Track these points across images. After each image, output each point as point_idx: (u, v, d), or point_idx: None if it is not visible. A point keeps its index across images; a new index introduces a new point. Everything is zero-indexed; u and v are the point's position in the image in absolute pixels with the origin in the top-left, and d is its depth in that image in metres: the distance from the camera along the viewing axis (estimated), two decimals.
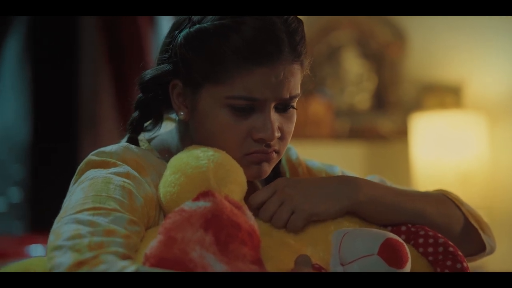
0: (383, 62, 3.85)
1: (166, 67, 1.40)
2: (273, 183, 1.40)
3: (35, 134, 3.85)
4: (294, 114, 1.41)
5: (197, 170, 1.31)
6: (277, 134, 1.38)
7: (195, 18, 1.37)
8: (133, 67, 3.48)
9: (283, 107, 1.39)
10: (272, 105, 1.37)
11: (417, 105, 3.73)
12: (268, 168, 1.41)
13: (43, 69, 3.80)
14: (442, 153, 3.44)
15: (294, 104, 1.40)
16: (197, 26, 1.36)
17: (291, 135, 1.42)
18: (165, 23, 3.46)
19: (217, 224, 1.23)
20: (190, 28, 1.37)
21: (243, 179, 1.36)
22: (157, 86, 1.41)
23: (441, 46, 3.75)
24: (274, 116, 1.38)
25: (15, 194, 3.88)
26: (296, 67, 1.38)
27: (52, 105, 3.83)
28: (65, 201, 1.33)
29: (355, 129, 3.83)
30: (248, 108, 1.36)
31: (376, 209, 1.39)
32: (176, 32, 1.40)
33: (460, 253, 1.39)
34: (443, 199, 1.46)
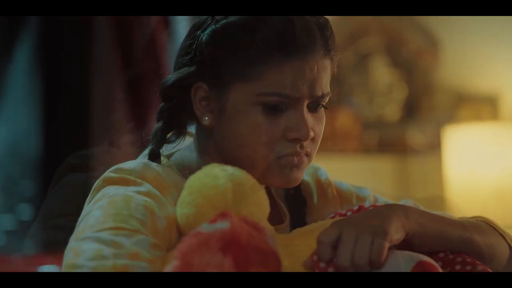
0: (414, 70, 3.84)
1: (189, 69, 1.39)
2: (333, 224, 1.31)
3: (46, 148, 3.86)
4: (324, 115, 1.41)
5: (215, 190, 1.30)
6: (312, 134, 1.38)
7: (218, 16, 1.38)
8: (148, 78, 3.48)
9: (315, 106, 1.39)
10: (306, 103, 1.37)
11: (451, 117, 3.72)
12: (300, 175, 1.40)
13: (55, 80, 3.81)
14: (477, 168, 3.42)
15: (325, 104, 1.40)
16: (223, 21, 1.36)
17: (321, 137, 1.41)
18: (181, 28, 3.47)
19: (236, 247, 1.22)
20: (215, 24, 1.37)
21: (264, 200, 1.34)
22: (180, 91, 1.40)
23: (476, 53, 3.74)
24: (308, 115, 1.38)
25: (26, 211, 3.88)
26: (327, 63, 1.38)
27: (65, 118, 3.83)
28: (80, 220, 1.31)
29: (384, 142, 3.83)
30: (281, 106, 1.36)
31: (425, 238, 1.36)
32: (198, 32, 1.39)
33: None
34: (488, 228, 1.45)
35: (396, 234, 1.29)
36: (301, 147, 1.37)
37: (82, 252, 1.21)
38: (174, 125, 1.44)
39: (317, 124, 1.39)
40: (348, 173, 3.29)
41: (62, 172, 1.37)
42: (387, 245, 1.27)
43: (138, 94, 3.55)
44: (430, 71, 3.82)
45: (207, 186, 1.31)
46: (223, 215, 1.25)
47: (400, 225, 1.31)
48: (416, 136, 3.81)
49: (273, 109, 1.35)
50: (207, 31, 1.37)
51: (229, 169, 1.33)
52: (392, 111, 3.86)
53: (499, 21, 3.66)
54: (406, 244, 1.36)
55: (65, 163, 1.38)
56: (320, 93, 1.37)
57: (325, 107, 1.41)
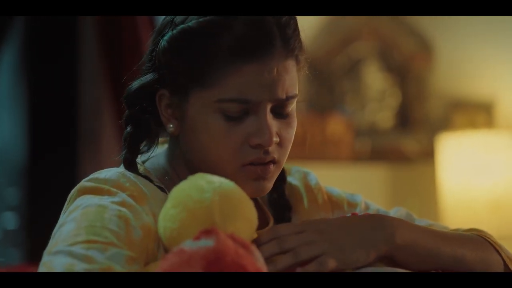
0: (407, 76, 3.84)
1: (150, 76, 1.39)
2: (304, 222, 1.36)
3: (31, 154, 3.84)
4: (294, 119, 1.40)
5: (200, 204, 1.28)
6: (275, 139, 1.36)
7: (177, 19, 1.37)
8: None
9: (280, 110, 1.37)
10: (268, 107, 1.35)
11: (445, 124, 3.71)
12: (268, 184, 1.39)
13: (40, 85, 3.79)
14: (472, 177, 3.41)
15: (293, 107, 1.39)
16: (181, 26, 1.36)
17: (292, 142, 1.40)
18: None
19: (219, 267, 1.20)
20: (173, 30, 1.37)
21: (253, 214, 1.31)
22: (142, 98, 1.40)
23: (471, 58, 3.73)
24: (271, 120, 1.36)
25: (10, 220, 3.86)
26: (291, 63, 1.36)
27: (50, 124, 3.82)
28: (54, 231, 1.31)
29: (377, 149, 3.81)
30: (242, 112, 1.35)
31: (414, 254, 1.36)
32: (159, 37, 1.39)
33: None
34: (482, 242, 1.43)
35: (361, 260, 1.31)
36: (266, 152, 1.36)
37: (54, 267, 1.20)
38: (143, 131, 1.43)
39: (284, 129, 1.38)
40: (340, 181, 3.28)
41: (74, 195, 1.36)
42: (330, 267, 1.29)
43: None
44: (423, 77, 3.80)
45: (192, 200, 1.28)
46: (208, 232, 1.23)
47: (372, 250, 1.31)
48: (409, 143, 3.80)
49: (234, 116, 1.34)
50: (166, 37, 1.37)
51: (216, 181, 1.31)
52: (385, 117, 3.85)
53: (494, 25, 3.66)
54: (394, 263, 1.36)
55: (77, 186, 1.37)
56: (283, 96, 1.35)
57: (293, 111, 1.38)
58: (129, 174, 1.38)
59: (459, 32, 3.74)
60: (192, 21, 1.35)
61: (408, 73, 3.83)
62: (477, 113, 3.67)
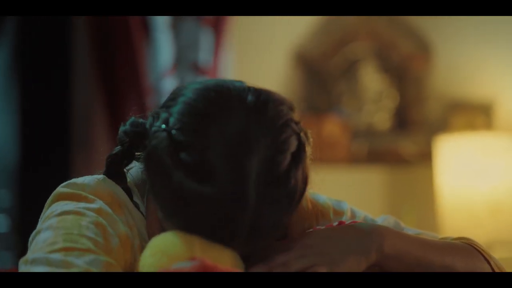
0: (405, 77, 3.82)
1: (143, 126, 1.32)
2: (290, 240, 1.35)
3: (23, 157, 3.83)
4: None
5: (178, 241, 1.24)
6: None
7: (172, 130, 1.26)
8: (127, 86, 3.46)
9: None
10: None
11: (443, 126, 3.69)
12: None
13: (33, 88, 3.79)
14: (470, 180, 3.38)
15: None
16: (158, 144, 1.26)
17: None
18: (161, 37, 3.45)
19: None
20: (154, 139, 1.27)
21: (233, 254, 1.27)
22: (133, 136, 1.34)
23: (470, 59, 3.73)
24: None
25: (2, 223, 3.86)
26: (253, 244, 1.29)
27: (42, 126, 3.81)
28: (31, 239, 1.28)
29: (374, 151, 3.80)
30: None
31: (402, 263, 1.35)
32: (161, 112, 1.29)
33: None
34: (472, 251, 1.42)
35: (353, 270, 1.30)
36: None
37: None
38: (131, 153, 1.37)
39: None
40: (336, 184, 3.26)
41: (50, 202, 1.33)
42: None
43: (117, 102, 3.52)
44: (421, 78, 3.80)
45: (169, 243, 1.25)
46: (192, 258, 1.21)
47: (363, 259, 1.31)
48: (407, 145, 3.78)
49: None
50: (153, 142, 1.27)
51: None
52: (382, 119, 3.84)
53: (493, 26, 3.65)
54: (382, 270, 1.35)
55: (54, 192, 1.34)
56: None
57: None
58: (108, 181, 1.35)
59: (457, 33, 3.73)
60: (166, 149, 1.25)
61: (406, 74, 3.83)
62: (475, 115, 3.66)
